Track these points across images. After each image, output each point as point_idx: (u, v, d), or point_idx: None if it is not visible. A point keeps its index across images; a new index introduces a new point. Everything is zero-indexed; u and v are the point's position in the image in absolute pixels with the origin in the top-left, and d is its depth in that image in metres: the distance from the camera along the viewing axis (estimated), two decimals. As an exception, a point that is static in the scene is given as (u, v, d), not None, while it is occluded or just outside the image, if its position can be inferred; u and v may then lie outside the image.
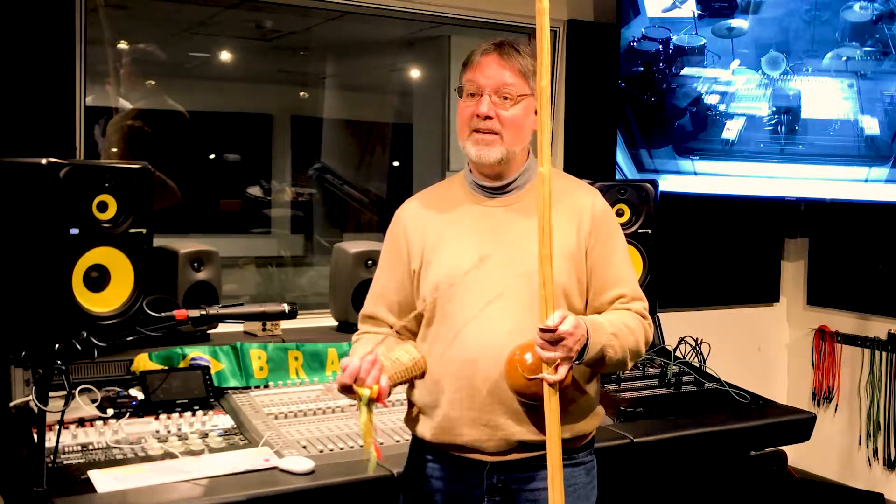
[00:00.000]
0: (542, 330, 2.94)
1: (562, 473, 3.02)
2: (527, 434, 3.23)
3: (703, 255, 7.44)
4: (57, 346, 3.29)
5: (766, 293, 7.89)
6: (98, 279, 3.46)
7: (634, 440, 4.44)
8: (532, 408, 3.19)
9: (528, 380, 3.01)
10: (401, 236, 3.47)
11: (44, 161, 3.29)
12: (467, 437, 3.25)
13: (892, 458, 7.11)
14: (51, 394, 3.35)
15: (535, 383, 2.98)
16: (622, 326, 3.18)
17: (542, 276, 2.98)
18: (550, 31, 6.54)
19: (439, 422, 3.33)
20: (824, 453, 7.46)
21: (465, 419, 3.25)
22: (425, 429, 3.40)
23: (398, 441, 4.29)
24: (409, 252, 3.42)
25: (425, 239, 3.40)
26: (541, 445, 3.19)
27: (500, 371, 3.11)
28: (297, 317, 4.16)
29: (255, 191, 9.27)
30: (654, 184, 5.70)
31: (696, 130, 6.69)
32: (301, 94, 10.15)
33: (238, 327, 5.26)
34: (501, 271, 3.26)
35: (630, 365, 3.25)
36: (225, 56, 9.15)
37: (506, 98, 3.26)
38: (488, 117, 3.24)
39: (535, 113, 3.34)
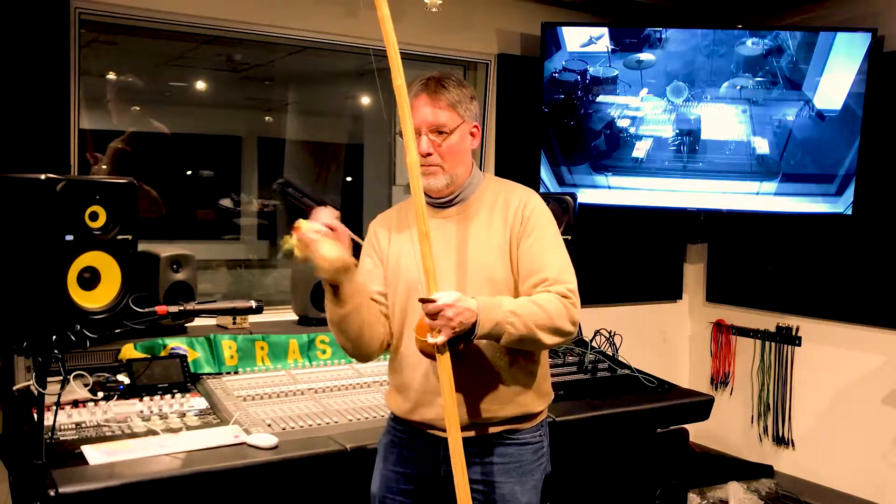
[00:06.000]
0: (421, 300, 3.03)
1: (458, 421, 3.08)
2: (472, 415, 3.30)
3: (616, 258, 7.49)
4: (54, 337, 3.29)
5: (671, 291, 7.97)
6: (90, 279, 3.46)
7: (556, 419, 4.46)
8: (473, 393, 3.29)
9: (418, 338, 3.12)
10: (373, 241, 3.53)
11: (42, 177, 3.29)
12: (426, 415, 3.32)
13: (780, 434, 7.21)
14: (49, 379, 3.35)
15: (428, 344, 3.07)
16: (529, 305, 3.15)
17: (422, 251, 3.07)
18: (483, 63, 6.64)
19: (407, 401, 3.41)
20: (721, 431, 7.54)
21: (425, 401, 3.33)
22: (397, 405, 3.47)
23: (365, 418, 4.38)
24: (380, 256, 3.49)
25: (389, 252, 3.46)
26: (488, 425, 3.33)
27: None
28: (263, 312, 4.18)
29: (226, 202, 9.23)
30: (574, 196, 5.71)
31: (610, 150, 6.75)
32: (266, 118, 10.11)
33: (211, 321, 5.26)
34: (455, 273, 3.32)
35: (550, 340, 3.17)
36: (200, 85, 9.10)
37: (441, 132, 3.30)
38: (428, 153, 3.29)
39: (472, 135, 3.43)
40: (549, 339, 3.17)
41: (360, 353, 3.40)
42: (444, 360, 3.05)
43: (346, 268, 3.11)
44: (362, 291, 3.29)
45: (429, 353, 3.10)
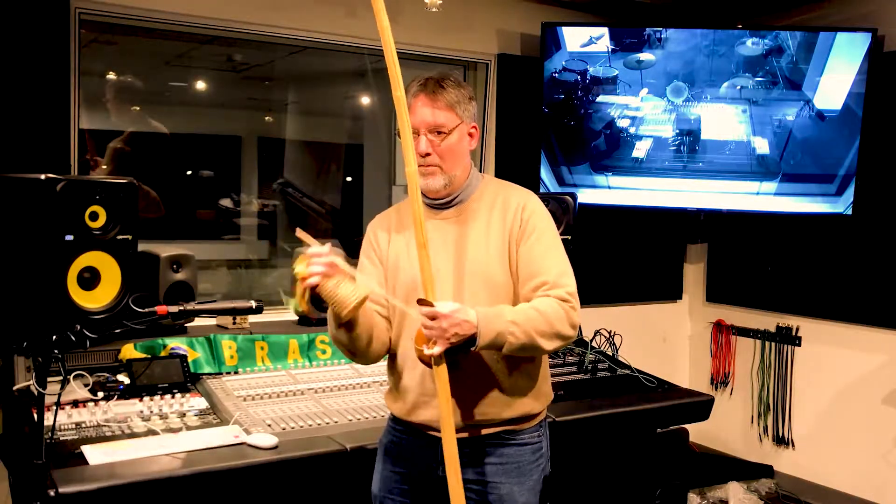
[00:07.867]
0: (418, 301, 3.02)
1: (453, 430, 3.08)
2: (470, 417, 3.29)
3: (616, 258, 7.49)
4: (54, 337, 3.29)
5: (671, 291, 7.98)
6: (90, 279, 3.46)
7: (556, 419, 4.46)
8: (471, 395, 3.28)
9: (416, 347, 3.11)
10: (373, 242, 3.52)
11: (42, 177, 3.29)
12: (425, 416, 3.32)
13: (780, 434, 7.21)
14: (49, 379, 3.35)
15: (423, 352, 3.07)
16: (529, 312, 3.13)
17: (420, 262, 3.05)
18: (483, 63, 6.63)
19: (405, 402, 3.40)
20: (721, 431, 7.55)
21: (422, 402, 3.33)
22: (396, 406, 3.47)
23: (365, 418, 4.38)
24: (379, 256, 3.48)
25: (388, 253, 3.45)
26: (487, 427, 3.31)
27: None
28: (263, 312, 4.18)
29: (226, 202, 9.22)
30: (574, 196, 5.70)
31: (610, 150, 6.75)
32: (266, 118, 10.11)
33: (211, 321, 5.26)
34: (453, 275, 3.31)
35: (551, 345, 3.16)
36: (200, 85, 9.10)
37: (439, 133, 3.29)
38: (427, 154, 3.28)
39: (470, 136, 3.42)
40: (550, 345, 3.17)
41: (366, 359, 3.41)
42: (441, 370, 3.05)
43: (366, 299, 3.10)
44: (369, 310, 3.28)
45: (427, 361, 3.09)
